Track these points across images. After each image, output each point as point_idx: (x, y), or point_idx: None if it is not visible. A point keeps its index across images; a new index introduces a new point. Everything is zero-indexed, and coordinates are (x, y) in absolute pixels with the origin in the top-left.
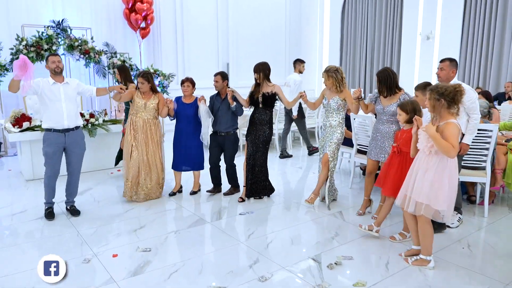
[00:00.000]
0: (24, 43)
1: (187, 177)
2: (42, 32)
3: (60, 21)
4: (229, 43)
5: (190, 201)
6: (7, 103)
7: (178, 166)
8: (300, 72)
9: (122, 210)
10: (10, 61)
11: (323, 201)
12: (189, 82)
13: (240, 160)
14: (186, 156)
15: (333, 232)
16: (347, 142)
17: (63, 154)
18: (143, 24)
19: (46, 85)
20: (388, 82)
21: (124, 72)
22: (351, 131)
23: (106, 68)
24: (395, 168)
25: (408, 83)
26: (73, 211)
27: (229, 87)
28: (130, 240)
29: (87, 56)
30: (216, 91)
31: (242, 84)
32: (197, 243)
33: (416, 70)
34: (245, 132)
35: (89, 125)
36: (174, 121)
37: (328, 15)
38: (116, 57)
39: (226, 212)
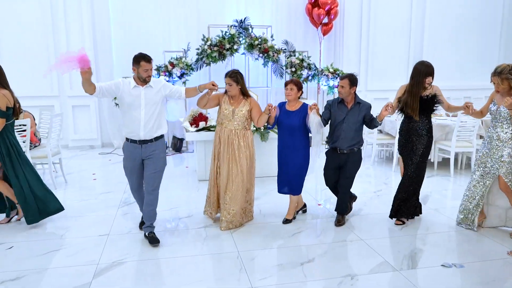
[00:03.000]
0: (208, 43)
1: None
2: (225, 32)
3: (243, 20)
4: (424, 39)
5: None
6: (192, 101)
7: (280, 187)
8: None
9: (287, 232)
10: (195, 61)
11: None
12: (293, 84)
13: None
14: (288, 175)
15: None
16: None
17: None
18: (325, 20)
19: (126, 88)
20: None
21: None
22: None
23: (284, 68)
24: None
25: None
26: (151, 239)
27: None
28: (295, 278)
29: (265, 55)
30: (340, 98)
31: (443, 86)
32: None
33: None
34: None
35: (261, 128)
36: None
37: None
38: (294, 55)
39: (421, 258)
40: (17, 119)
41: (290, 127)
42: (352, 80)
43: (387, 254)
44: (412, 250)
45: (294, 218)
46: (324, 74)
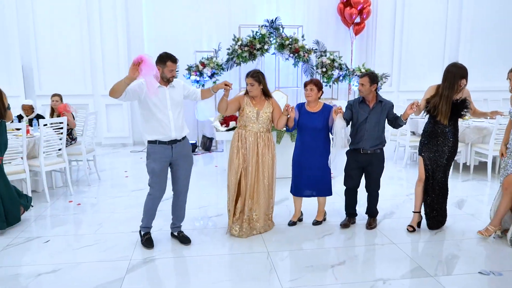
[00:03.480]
0: (239, 43)
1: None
2: (256, 32)
3: (274, 20)
4: (460, 39)
5: (395, 237)
6: None
7: (299, 190)
8: None
9: (317, 234)
10: (226, 61)
11: (504, 235)
12: (313, 84)
13: None
14: (310, 178)
15: None
16: None
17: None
18: (357, 19)
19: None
20: None
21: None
22: None
23: (314, 68)
24: None
25: None
26: (183, 238)
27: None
28: (325, 280)
29: (296, 55)
30: (360, 97)
31: (476, 87)
32: None
33: None
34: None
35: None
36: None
37: None
38: (325, 55)
39: (456, 264)
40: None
41: (312, 129)
42: (372, 77)
43: (421, 259)
44: (447, 255)
45: (324, 219)
46: (356, 75)
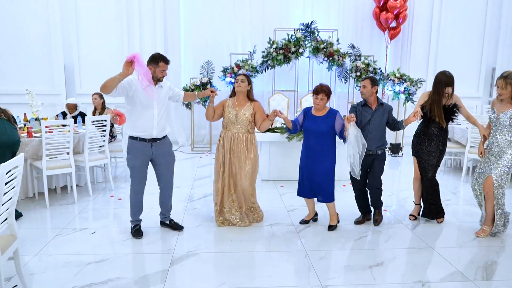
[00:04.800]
0: (274, 46)
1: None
2: (291, 35)
3: (309, 24)
4: (499, 44)
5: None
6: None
7: (304, 191)
8: None
9: (353, 235)
10: (260, 64)
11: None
12: (324, 94)
13: None
14: (312, 183)
15: None
16: None
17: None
18: (393, 24)
19: (139, 87)
20: None
21: None
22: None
23: (348, 72)
24: None
25: None
26: (176, 225)
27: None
28: (364, 280)
29: (330, 59)
30: (363, 101)
31: None
32: None
33: None
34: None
35: None
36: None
37: None
38: (360, 60)
39: (496, 269)
40: None
41: (318, 133)
42: (373, 80)
43: (459, 264)
44: (486, 261)
45: (338, 222)
46: (390, 79)
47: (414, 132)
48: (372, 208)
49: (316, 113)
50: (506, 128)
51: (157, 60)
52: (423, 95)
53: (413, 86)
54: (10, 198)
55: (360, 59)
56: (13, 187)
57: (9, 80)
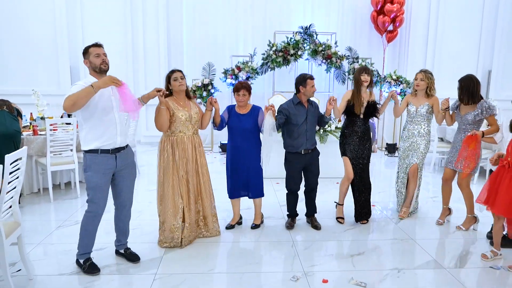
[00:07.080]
0: (274, 48)
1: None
2: (291, 38)
3: (308, 27)
4: (495, 47)
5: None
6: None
7: (234, 192)
8: None
9: (339, 228)
10: (260, 66)
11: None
12: (245, 90)
13: None
14: (244, 180)
15: None
16: None
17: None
18: (390, 27)
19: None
20: (470, 89)
21: None
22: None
23: (346, 74)
24: (506, 184)
25: None
26: (132, 256)
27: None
28: (344, 267)
29: (329, 61)
30: (297, 100)
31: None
32: None
33: None
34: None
35: (321, 130)
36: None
37: None
38: (357, 62)
39: (470, 259)
40: None
41: (243, 131)
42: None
43: (436, 253)
44: (462, 251)
45: (262, 222)
46: (387, 81)
47: (340, 133)
48: (307, 215)
49: (239, 111)
50: (423, 119)
51: (86, 50)
52: (346, 92)
53: (410, 88)
54: (14, 187)
55: (357, 62)
56: (17, 177)
57: (15, 80)
